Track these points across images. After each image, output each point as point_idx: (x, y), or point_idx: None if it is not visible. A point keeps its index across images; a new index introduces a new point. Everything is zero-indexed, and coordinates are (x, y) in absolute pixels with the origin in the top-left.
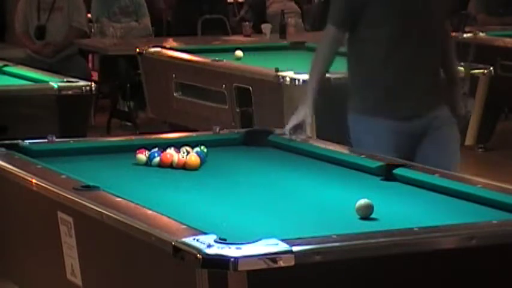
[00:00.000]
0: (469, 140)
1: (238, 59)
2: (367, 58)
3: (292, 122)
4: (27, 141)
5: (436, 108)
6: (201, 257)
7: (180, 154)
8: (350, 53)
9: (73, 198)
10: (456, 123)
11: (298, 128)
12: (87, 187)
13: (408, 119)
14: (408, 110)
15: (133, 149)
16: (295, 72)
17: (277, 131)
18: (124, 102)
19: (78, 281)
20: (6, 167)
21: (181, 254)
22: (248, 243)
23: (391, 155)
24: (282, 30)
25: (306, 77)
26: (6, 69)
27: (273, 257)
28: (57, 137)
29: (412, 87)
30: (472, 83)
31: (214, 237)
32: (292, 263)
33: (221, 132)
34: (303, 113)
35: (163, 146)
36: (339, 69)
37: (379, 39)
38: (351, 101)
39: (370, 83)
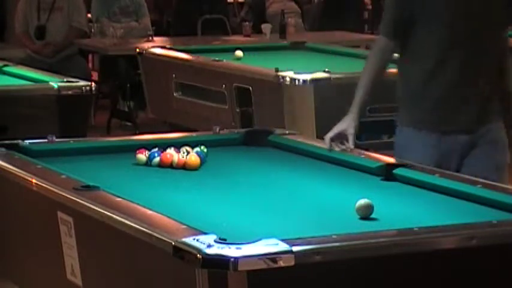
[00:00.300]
0: None
1: (238, 59)
2: (415, 69)
3: (334, 131)
4: (27, 141)
5: (487, 123)
6: (201, 257)
7: (180, 154)
8: (400, 63)
9: (73, 198)
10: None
11: (341, 137)
12: (87, 187)
13: (455, 133)
14: (456, 125)
15: (133, 149)
16: (295, 72)
17: (277, 131)
18: (124, 102)
19: (78, 281)
20: (6, 167)
21: (181, 254)
22: (248, 243)
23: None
24: (282, 30)
25: (306, 76)
26: (6, 69)
27: (273, 257)
28: (57, 137)
29: (461, 100)
30: None
31: (214, 237)
32: (292, 263)
33: (221, 132)
34: (347, 123)
35: (163, 146)
36: (339, 69)
37: (428, 49)
38: (399, 113)
39: (418, 95)
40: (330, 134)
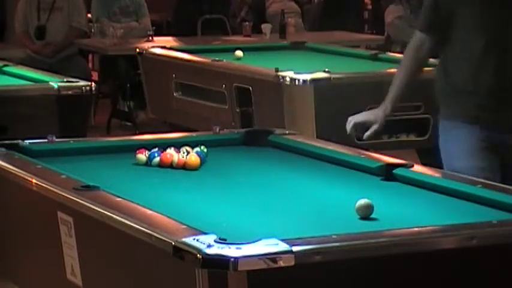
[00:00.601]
0: None
1: (238, 59)
2: (455, 65)
3: (360, 118)
4: (27, 141)
5: None
6: (201, 257)
7: (180, 154)
8: (441, 59)
9: (73, 198)
10: None
11: (364, 126)
12: (87, 187)
13: (498, 131)
14: (499, 121)
15: (133, 149)
16: (295, 72)
17: (277, 131)
18: (124, 102)
19: (78, 281)
20: (6, 167)
21: (181, 254)
22: (248, 243)
23: (478, 165)
24: (282, 30)
25: (306, 76)
26: (6, 69)
27: (273, 257)
28: (57, 137)
29: (504, 93)
30: None
31: (214, 237)
32: (292, 263)
33: (221, 132)
34: (376, 116)
35: (163, 146)
36: (339, 69)
37: (471, 46)
38: (442, 107)
39: (459, 91)
40: (356, 120)
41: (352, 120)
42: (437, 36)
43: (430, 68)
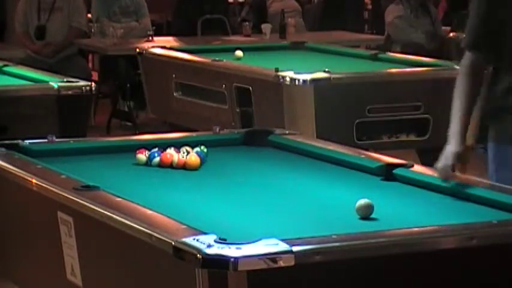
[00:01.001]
0: (469, 140)
1: (238, 59)
2: (500, 80)
3: (453, 149)
4: (27, 141)
5: None
6: (201, 257)
7: (180, 154)
8: (491, 76)
9: (73, 198)
10: None
11: (452, 162)
12: (87, 187)
13: None
14: None
15: (133, 149)
16: (295, 72)
17: (277, 131)
18: (124, 102)
19: (78, 281)
20: (6, 167)
21: (181, 254)
22: (248, 243)
23: None
24: (282, 30)
25: (306, 76)
26: (6, 69)
27: (273, 257)
28: (57, 137)
29: None
30: None
31: (214, 237)
32: (292, 263)
33: (221, 132)
34: (459, 145)
35: (163, 146)
36: (339, 69)
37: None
38: (491, 129)
39: (504, 108)
40: (454, 150)
41: (450, 154)
42: (487, 52)
43: (429, 68)
